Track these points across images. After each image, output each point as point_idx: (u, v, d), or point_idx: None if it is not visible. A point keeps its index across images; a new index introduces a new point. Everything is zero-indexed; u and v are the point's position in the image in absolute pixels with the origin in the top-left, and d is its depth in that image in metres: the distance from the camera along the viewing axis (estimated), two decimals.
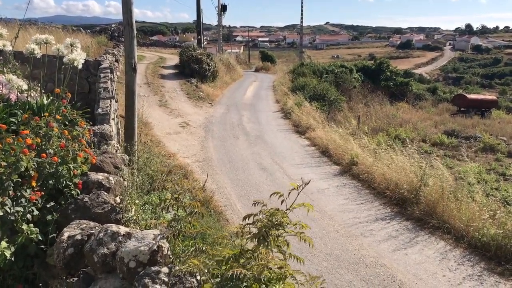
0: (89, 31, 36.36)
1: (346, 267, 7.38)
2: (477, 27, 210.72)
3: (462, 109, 34.40)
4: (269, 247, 2.53)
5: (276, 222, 2.63)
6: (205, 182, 10.09)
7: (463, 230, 8.30)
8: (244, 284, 2.34)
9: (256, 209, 2.83)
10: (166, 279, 2.85)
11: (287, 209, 2.78)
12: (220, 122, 18.63)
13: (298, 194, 2.78)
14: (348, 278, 7.03)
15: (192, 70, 26.97)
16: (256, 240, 2.59)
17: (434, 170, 10.30)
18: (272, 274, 2.45)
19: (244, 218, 2.84)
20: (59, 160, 3.87)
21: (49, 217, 3.67)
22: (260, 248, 2.51)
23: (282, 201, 2.81)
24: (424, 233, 8.61)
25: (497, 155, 19.08)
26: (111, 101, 7.38)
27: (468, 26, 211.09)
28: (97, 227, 3.47)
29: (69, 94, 5.26)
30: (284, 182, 11.22)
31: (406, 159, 11.22)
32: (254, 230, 2.75)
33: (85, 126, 4.80)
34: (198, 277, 2.81)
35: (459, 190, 9.34)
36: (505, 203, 8.91)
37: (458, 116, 31.36)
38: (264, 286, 2.39)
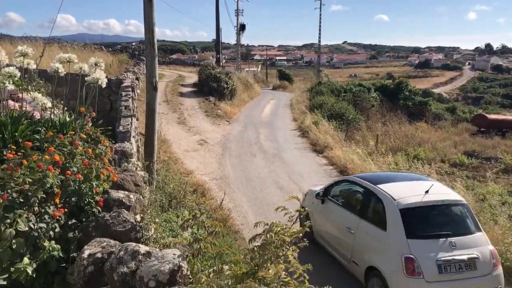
0: (110, 49, 37.14)
1: None
2: (497, 47, 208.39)
3: (482, 129, 33.94)
4: (272, 260, 2.53)
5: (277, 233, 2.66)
6: (223, 200, 10.10)
7: None
8: None
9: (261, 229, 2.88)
10: None
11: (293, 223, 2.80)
12: (237, 139, 18.70)
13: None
14: None
15: (211, 88, 27.22)
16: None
17: (455, 191, 10.13)
18: None
19: (250, 241, 2.88)
20: (82, 178, 3.93)
21: (70, 234, 3.71)
22: (268, 264, 2.52)
23: (285, 214, 2.84)
24: None
25: None
26: (132, 119, 7.49)
27: (488, 46, 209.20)
28: (117, 246, 3.49)
29: (94, 113, 5.37)
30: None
31: None
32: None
33: (107, 144, 4.88)
34: None
35: (481, 213, 9.17)
36: None
37: (478, 137, 30.91)
38: None
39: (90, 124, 5.38)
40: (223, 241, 3.51)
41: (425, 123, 33.36)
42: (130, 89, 9.71)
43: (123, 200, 4.22)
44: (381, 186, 7.46)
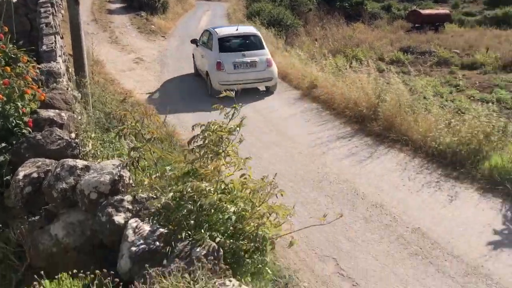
0: None
1: (311, 185, 7.57)
2: None
3: (416, 25, 34.42)
4: (211, 158, 2.54)
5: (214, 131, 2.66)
6: (166, 116, 9.93)
7: (421, 141, 8.57)
8: (200, 194, 2.35)
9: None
10: (130, 207, 2.83)
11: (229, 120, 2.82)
12: (175, 55, 18.09)
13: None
14: (313, 195, 7.24)
15: (141, 3, 25.60)
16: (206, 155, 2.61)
17: (391, 86, 10.43)
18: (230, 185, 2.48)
19: (189, 143, 2.87)
20: (5, 98, 3.67)
21: (1, 158, 3.53)
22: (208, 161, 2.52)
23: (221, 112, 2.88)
24: (384, 147, 8.87)
25: (451, 68, 19.48)
26: (55, 37, 6.94)
27: None
28: (53, 164, 3.37)
29: (6, 28, 4.90)
30: (246, 112, 11.13)
31: (364, 77, 11.31)
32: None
33: (28, 62, 4.52)
34: (163, 201, 2.80)
35: (416, 104, 9.56)
36: (459, 112, 9.20)
37: (413, 33, 31.41)
38: (221, 194, 2.41)
39: (10, 45, 4.94)
40: (166, 150, 3.45)
41: (362, 23, 33.39)
42: (49, 4, 8.91)
43: (55, 119, 4.01)
44: (216, 29, 13.52)
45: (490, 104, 8.99)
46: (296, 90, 13.14)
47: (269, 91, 12.83)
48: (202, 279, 1.75)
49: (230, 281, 1.86)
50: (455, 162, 7.85)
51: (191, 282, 1.74)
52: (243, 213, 2.64)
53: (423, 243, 5.91)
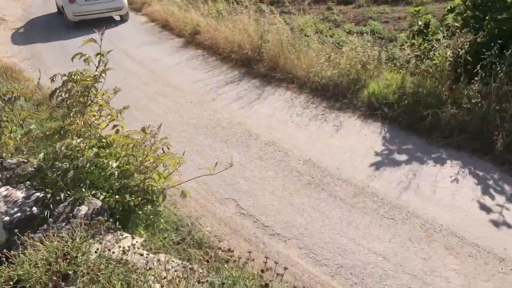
0: None
1: (205, 133, 7.55)
2: None
3: None
4: (79, 111, 2.35)
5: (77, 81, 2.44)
6: (39, 79, 9.12)
7: (305, 77, 8.84)
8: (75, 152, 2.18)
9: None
10: None
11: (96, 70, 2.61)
12: (41, 10, 16.55)
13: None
14: (208, 142, 7.24)
15: None
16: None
17: (272, 26, 10.52)
18: (103, 140, 2.32)
19: (50, 97, 2.62)
20: None
21: None
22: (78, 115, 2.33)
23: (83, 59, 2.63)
24: (271, 87, 9.03)
25: (328, 4, 20.09)
26: None
27: None
28: None
29: None
30: (126, 65, 10.66)
31: (245, 20, 11.25)
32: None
33: None
34: (36, 164, 2.57)
35: (297, 41, 9.76)
36: (338, 46, 9.57)
37: None
38: (95, 149, 2.26)
39: None
40: (35, 110, 3.13)
41: None
42: None
43: None
44: None
45: (365, 35, 9.46)
46: (179, 38, 12.76)
47: (123, 20, 14.86)
48: (81, 237, 1.64)
49: (112, 233, 1.77)
50: (337, 93, 8.24)
51: (69, 241, 1.63)
52: (127, 167, 2.52)
53: (314, 173, 6.23)
